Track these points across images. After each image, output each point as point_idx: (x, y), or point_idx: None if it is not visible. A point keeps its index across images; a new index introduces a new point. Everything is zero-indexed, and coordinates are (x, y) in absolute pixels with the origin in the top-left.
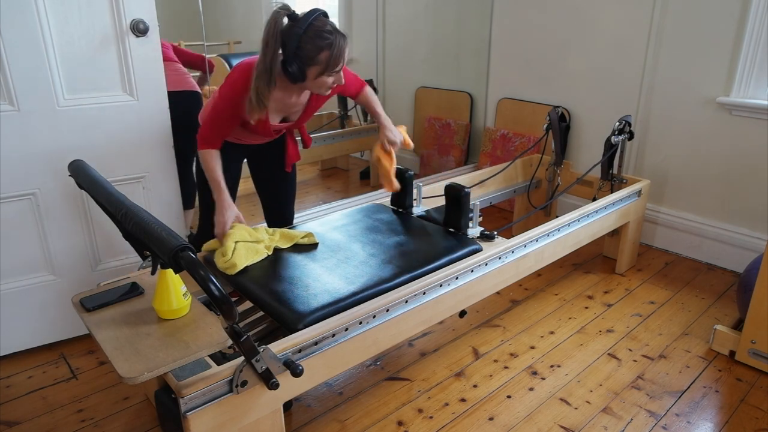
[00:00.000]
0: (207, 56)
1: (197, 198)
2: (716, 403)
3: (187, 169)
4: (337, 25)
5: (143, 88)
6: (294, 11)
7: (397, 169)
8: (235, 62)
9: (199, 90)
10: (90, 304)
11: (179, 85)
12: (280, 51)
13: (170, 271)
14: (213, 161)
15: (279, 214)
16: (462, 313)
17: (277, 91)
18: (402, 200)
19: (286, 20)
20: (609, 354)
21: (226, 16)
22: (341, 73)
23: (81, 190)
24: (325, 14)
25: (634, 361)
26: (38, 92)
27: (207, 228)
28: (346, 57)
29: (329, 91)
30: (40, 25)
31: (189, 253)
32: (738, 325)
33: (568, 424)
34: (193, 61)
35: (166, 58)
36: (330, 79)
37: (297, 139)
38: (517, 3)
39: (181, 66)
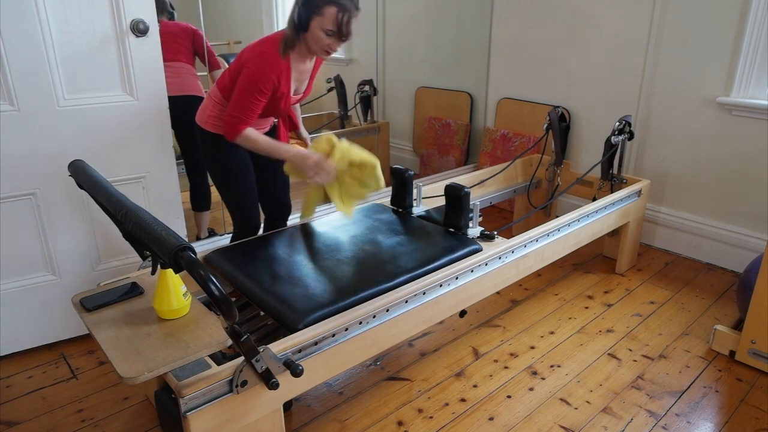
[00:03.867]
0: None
1: (230, 200)
2: (716, 403)
3: (199, 173)
4: None
5: (143, 88)
6: None
7: (397, 168)
8: None
9: (201, 94)
10: (90, 304)
11: (182, 89)
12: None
13: (170, 271)
14: (256, 134)
15: (281, 204)
16: (462, 313)
17: (295, 56)
18: (402, 200)
19: None
20: (609, 354)
21: (226, 16)
22: (338, 42)
23: (81, 190)
24: None
25: (634, 361)
26: (38, 92)
27: (243, 222)
28: (352, 30)
29: (325, 55)
30: (40, 25)
31: (189, 253)
32: (738, 325)
33: (568, 424)
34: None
35: (171, 59)
36: (328, 40)
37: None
38: (517, 3)
39: (188, 66)
